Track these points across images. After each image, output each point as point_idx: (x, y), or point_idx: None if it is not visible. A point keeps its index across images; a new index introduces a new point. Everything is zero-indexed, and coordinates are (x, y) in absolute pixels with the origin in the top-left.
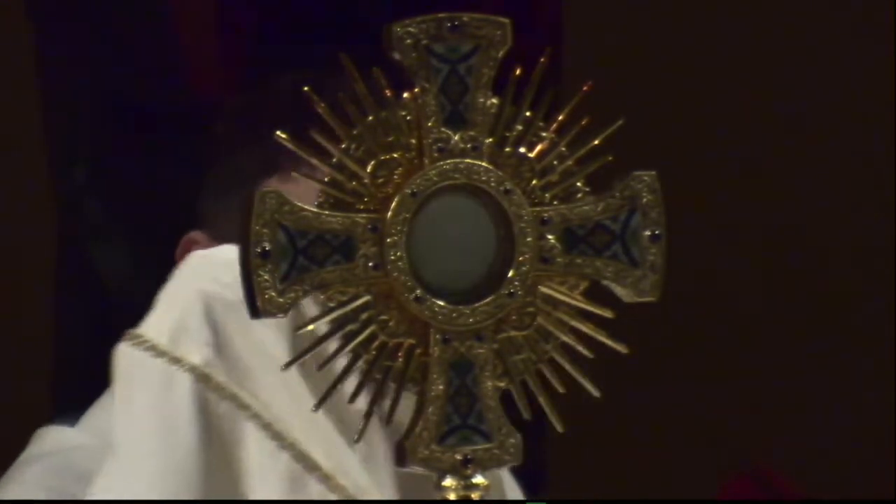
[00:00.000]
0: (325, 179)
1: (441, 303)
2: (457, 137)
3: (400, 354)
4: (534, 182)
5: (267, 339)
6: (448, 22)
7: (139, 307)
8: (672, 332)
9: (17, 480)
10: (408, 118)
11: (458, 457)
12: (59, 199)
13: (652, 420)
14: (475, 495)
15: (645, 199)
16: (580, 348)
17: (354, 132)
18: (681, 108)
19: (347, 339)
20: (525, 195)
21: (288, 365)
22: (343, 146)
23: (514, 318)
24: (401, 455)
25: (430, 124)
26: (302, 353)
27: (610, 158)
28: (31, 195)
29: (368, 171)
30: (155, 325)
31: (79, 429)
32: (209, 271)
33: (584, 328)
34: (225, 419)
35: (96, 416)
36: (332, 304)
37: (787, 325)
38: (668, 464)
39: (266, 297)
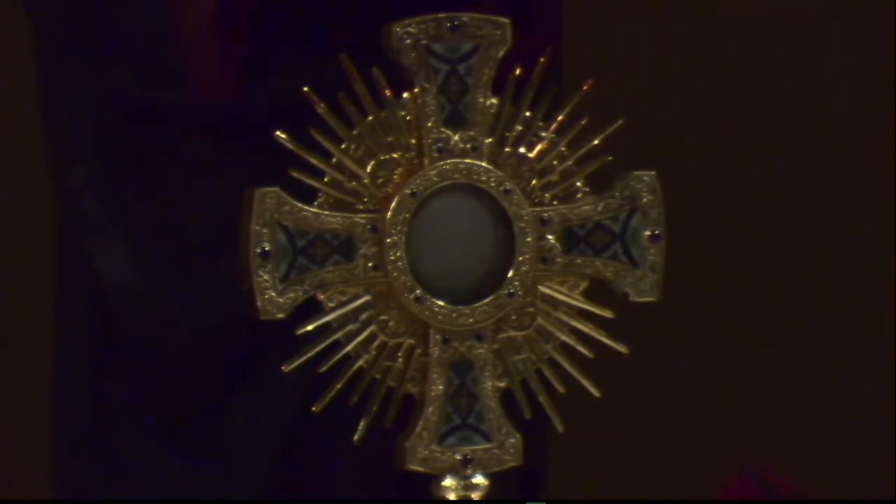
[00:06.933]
0: (325, 179)
1: (441, 303)
2: (457, 137)
3: (400, 354)
4: (534, 182)
5: None
6: (448, 22)
7: (139, 307)
8: (672, 332)
9: None
10: (408, 118)
11: (458, 457)
12: (58, 199)
13: (652, 420)
14: (475, 495)
15: (645, 199)
16: (580, 348)
17: (354, 132)
18: (681, 108)
19: (347, 339)
20: (525, 195)
21: (289, 366)
22: (343, 146)
23: (514, 318)
24: (401, 455)
25: (429, 124)
26: (303, 354)
27: (610, 158)
28: (31, 195)
29: (368, 171)
30: None
31: None
32: None
33: (584, 328)
34: None
35: None
36: (332, 304)
37: (788, 324)
38: (668, 464)
39: (266, 297)
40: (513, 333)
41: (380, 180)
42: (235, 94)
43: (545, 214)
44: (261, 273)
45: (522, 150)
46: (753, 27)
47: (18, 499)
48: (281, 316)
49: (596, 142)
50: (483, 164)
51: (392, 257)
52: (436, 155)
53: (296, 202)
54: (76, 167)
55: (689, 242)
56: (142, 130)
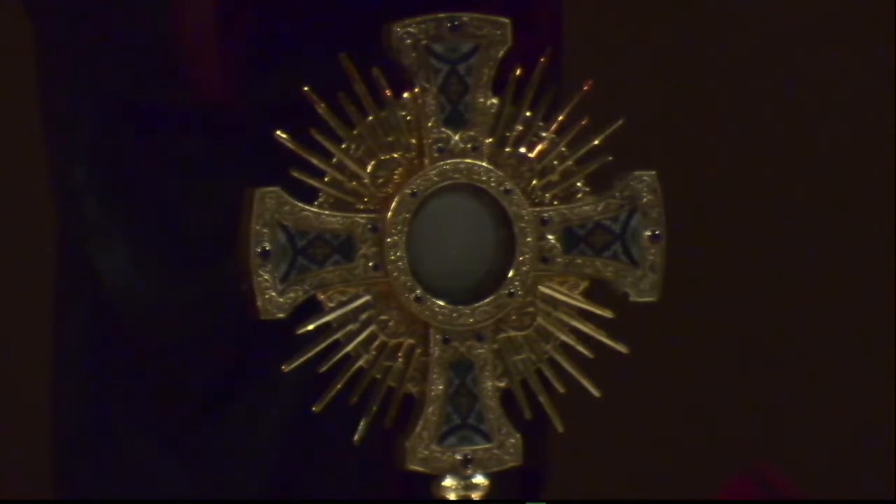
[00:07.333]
0: (325, 179)
1: (441, 303)
2: (457, 137)
3: (400, 354)
4: (534, 182)
5: None
6: (448, 22)
7: (139, 307)
8: (672, 332)
9: None
10: (408, 118)
11: (458, 457)
12: (58, 199)
13: (652, 420)
14: (475, 495)
15: (645, 199)
16: (580, 348)
17: (354, 132)
18: (681, 108)
19: (347, 339)
20: (525, 195)
21: (290, 366)
22: (343, 146)
23: (514, 318)
24: (401, 455)
25: (430, 124)
26: (304, 354)
27: (610, 158)
28: (31, 195)
29: (368, 171)
30: None
31: None
32: None
33: (584, 328)
34: None
35: None
36: (332, 304)
37: (788, 324)
38: (668, 464)
39: (266, 297)
40: (513, 333)
41: (380, 180)
42: (235, 95)
43: (545, 214)
44: (261, 273)
45: (522, 150)
46: (753, 27)
47: (18, 499)
48: (281, 316)
49: (596, 142)
50: (483, 164)
51: (392, 257)
52: (436, 155)
53: (296, 202)
54: (76, 167)
55: (689, 242)
56: (142, 130)
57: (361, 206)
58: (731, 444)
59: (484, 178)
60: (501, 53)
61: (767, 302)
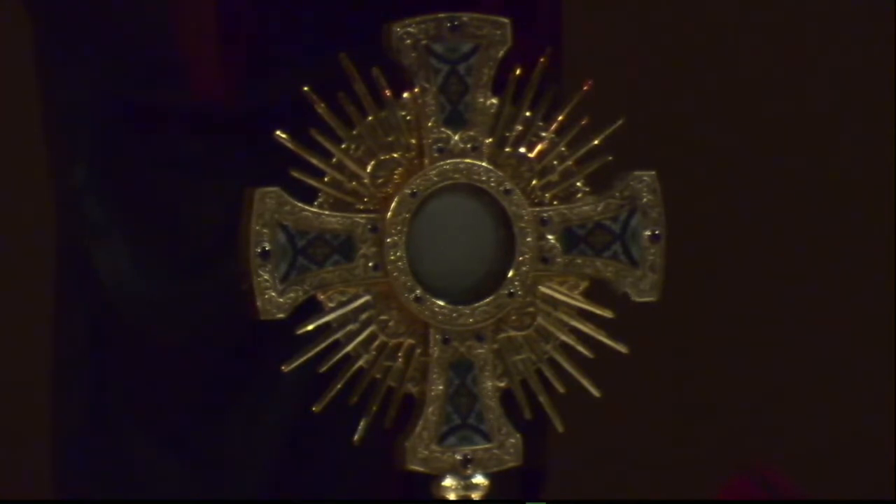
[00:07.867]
0: (325, 179)
1: (441, 303)
2: (457, 137)
3: (400, 354)
4: (534, 182)
5: None
6: (448, 22)
7: (139, 307)
8: (672, 332)
9: None
10: (408, 118)
11: (458, 457)
12: (58, 199)
13: (652, 420)
14: (475, 495)
15: (645, 199)
16: (580, 348)
17: (354, 132)
18: (681, 108)
19: (347, 339)
20: (525, 195)
21: (289, 366)
22: (343, 146)
23: (514, 318)
24: (401, 455)
25: (429, 124)
26: (303, 354)
27: (610, 158)
28: (31, 195)
29: (368, 171)
30: None
31: None
32: None
33: (584, 328)
34: None
35: None
36: (332, 304)
37: (788, 324)
38: (669, 464)
39: (266, 297)
40: (513, 333)
41: (380, 180)
42: (236, 95)
43: (545, 214)
44: (261, 273)
45: (522, 150)
46: (754, 27)
47: (18, 499)
48: (281, 316)
49: (596, 142)
50: (483, 164)
51: (392, 257)
52: (436, 155)
53: (296, 202)
54: (76, 167)
55: (689, 242)
56: (142, 130)
57: (361, 206)
58: (731, 444)
59: (484, 178)
60: (501, 53)
61: (767, 302)
